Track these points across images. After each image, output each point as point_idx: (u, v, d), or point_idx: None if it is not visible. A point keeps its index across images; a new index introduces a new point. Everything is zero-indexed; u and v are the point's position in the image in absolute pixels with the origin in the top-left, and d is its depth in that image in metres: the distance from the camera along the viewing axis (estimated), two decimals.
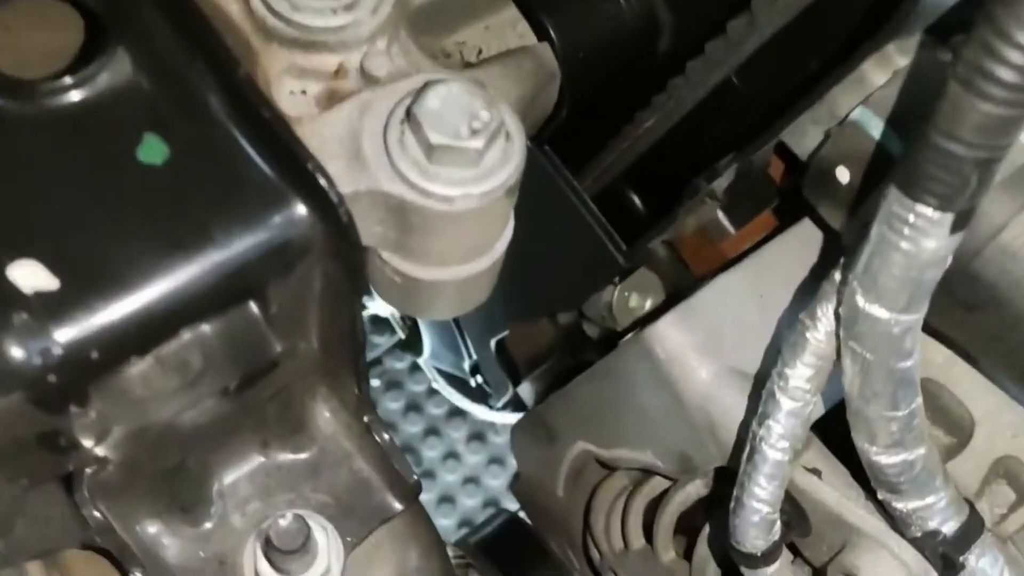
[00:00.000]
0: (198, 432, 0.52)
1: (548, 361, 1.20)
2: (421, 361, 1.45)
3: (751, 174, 0.63)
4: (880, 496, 0.56)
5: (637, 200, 0.84)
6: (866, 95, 0.56)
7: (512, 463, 1.46)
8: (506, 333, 1.10)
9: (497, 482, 1.48)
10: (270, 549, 0.51)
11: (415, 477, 0.59)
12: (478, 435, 1.52)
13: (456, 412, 1.49)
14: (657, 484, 0.82)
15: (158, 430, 0.49)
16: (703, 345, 0.69)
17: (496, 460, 1.50)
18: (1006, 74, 0.38)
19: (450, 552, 1.11)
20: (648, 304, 0.97)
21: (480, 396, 1.42)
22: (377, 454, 0.58)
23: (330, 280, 0.46)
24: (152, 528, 0.53)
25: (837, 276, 0.53)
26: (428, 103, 0.46)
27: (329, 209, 0.43)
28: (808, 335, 0.55)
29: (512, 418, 1.48)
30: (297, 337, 0.51)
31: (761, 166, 0.64)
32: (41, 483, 0.43)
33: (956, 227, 0.42)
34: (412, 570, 0.60)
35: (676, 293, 0.98)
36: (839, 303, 0.51)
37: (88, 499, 0.46)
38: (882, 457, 0.54)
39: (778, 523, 0.59)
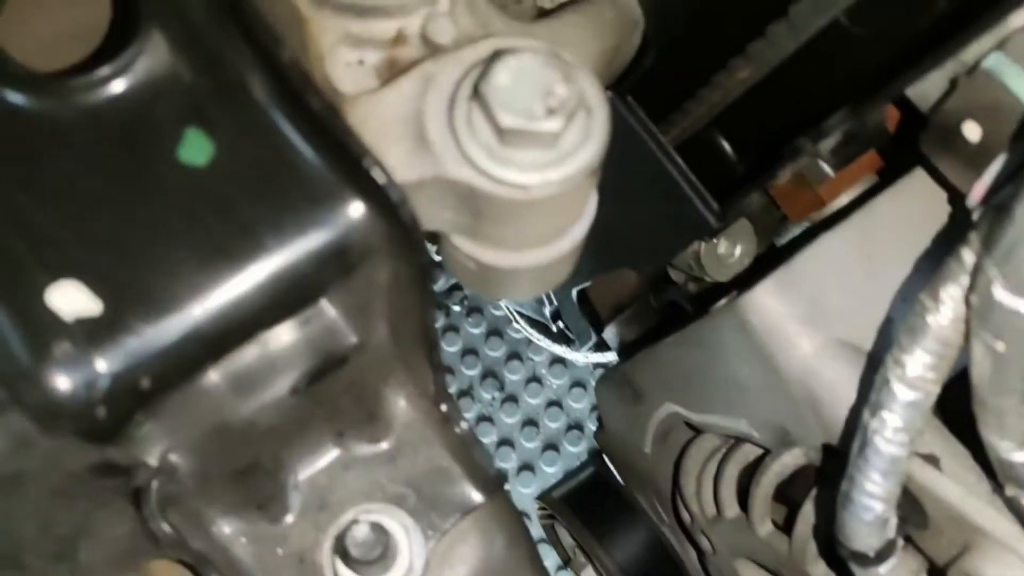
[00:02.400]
0: (269, 430, 0.50)
1: (631, 307, 1.16)
2: (503, 304, 1.42)
3: (862, 131, 0.56)
4: (1009, 492, 0.51)
5: (728, 147, 0.77)
6: (1001, 38, 0.48)
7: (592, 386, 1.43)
8: (588, 283, 1.06)
9: (580, 405, 1.46)
10: (348, 559, 0.48)
11: (496, 469, 0.56)
12: (559, 359, 1.49)
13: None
14: (751, 450, 0.78)
15: (226, 435, 0.47)
16: (804, 314, 0.63)
17: (578, 384, 1.47)
18: None
19: (535, 507, 1.09)
20: (738, 251, 0.91)
21: (562, 340, 1.38)
22: (456, 444, 0.55)
23: (395, 281, 0.42)
24: (228, 528, 0.51)
25: (966, 256, 0.46)
26: (497, 79, 0.41)
27: (389, 207, 0.38)
28: (929, 319, 0.49)
29: (596, 357, 1.44)
30: (366, 334, 0.47)
31: (875, 125, 0.56)
32: (104, 505, 0.41)
33: None
34: (497, 560, 0.57)
35: (768, 240, 0.92)
36: (970, 289, 0.45)
37: (157, 513, 0.44)
38: (1014, 454, 0.48)
39: (893, 520, 0.54)
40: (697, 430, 0.83)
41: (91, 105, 0.38)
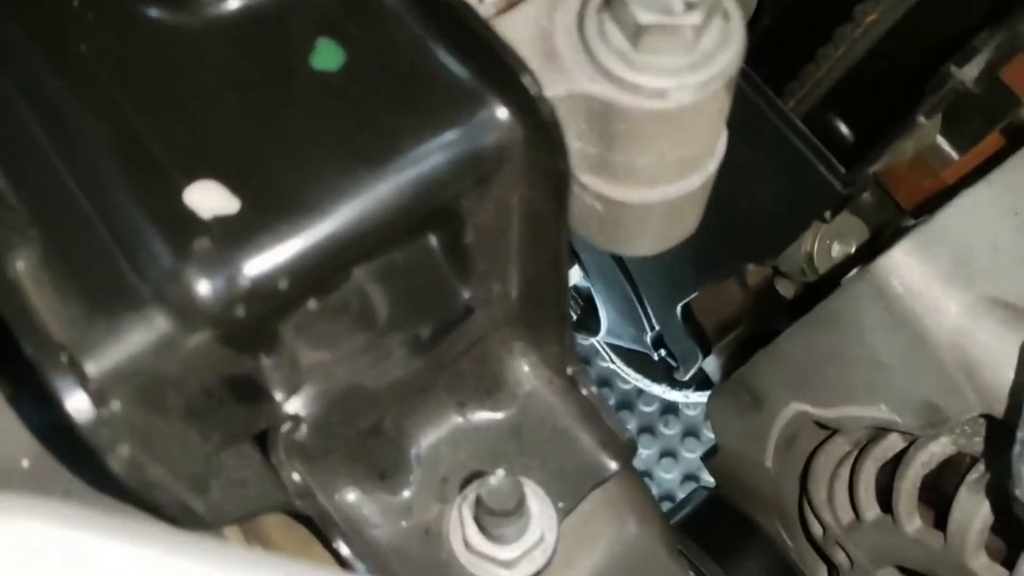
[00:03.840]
0: (391, 390, 0.47)
1: (737, 328, 1.11)
2: (596, 340, 1.38)
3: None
4: None
5: (844, 127, 0.74)
6: None
7: (708, 434, 1.38)
8: (693, 296, 1.02)
9: (694, 455, 1.41)
10: (481, 511, 0.45)
11: (628, 433, 0.52)
12: (671, 408, 1.45)
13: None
14: (890, 444, 0.72)
15: (349, 385, 0.45)
16: (950, 273, 0.59)
17: (691, 433, 1.42)
18: None
19: None
20: (852, 251, 0.87)
21: (663, 372, 1.33)
22: (585, 410, 0.52)
23: (531, 199, 0.40)
24: (351, 496, 0.49)
25: None
26: None
27: (529, 106, 0.37)
28: None
29: (696, 397, 1.39)
30: (493, 277, 0.45)
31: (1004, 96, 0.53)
32: (234, 441, 0.39)
33: None
34: (631, 539, 0.53)
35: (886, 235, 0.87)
36: None
37: (285, 460, 0.42)
38: None
39: None
40: (827, 430, 0.78)
41: (225, 18, 0.38)
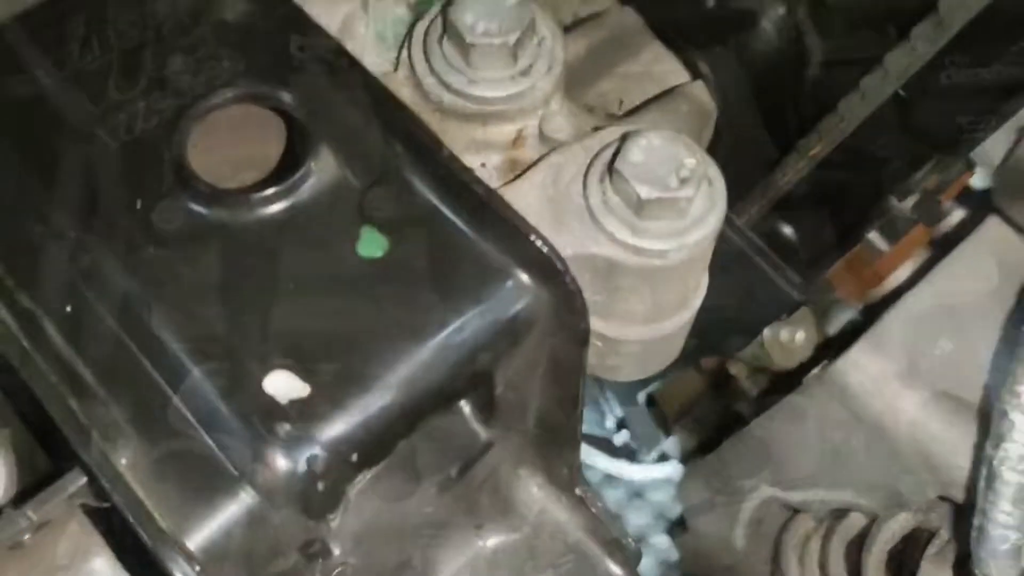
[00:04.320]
0: (420, 525, 0.51)
1: (695, 408, 1.17)
2: None
3: (942, 189, 0.60)
4: None
5: (791, 232, 0.81)
6: None
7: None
8: (657, 385, 1.08)
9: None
10: None
11: (633, 543, 0.57)
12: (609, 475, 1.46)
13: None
14: (853, 522, 0.78)
15: (390, 527, 0.48)
16: (903, 371, 0.66)
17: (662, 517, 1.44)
18: None
19: None
20: (799, 336, 0.94)
21: (624, 454, 1.38)
22: (591, 523, 0.56)
23: (556, 353, 0.45)
24: None
25: None
26: (631, 157, 0.45)
27: (554, 277, 0.42)
28: None
29: (656, 471, 1.43)
30: (515, 416, 0.50)
31: (955, 178, 0.61)
32: None
33: None
34: None
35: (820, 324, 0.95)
36: None
37: None
38: None
39: None
40: (795, 510, 0.83)
41: (273, 214, 0.42)
